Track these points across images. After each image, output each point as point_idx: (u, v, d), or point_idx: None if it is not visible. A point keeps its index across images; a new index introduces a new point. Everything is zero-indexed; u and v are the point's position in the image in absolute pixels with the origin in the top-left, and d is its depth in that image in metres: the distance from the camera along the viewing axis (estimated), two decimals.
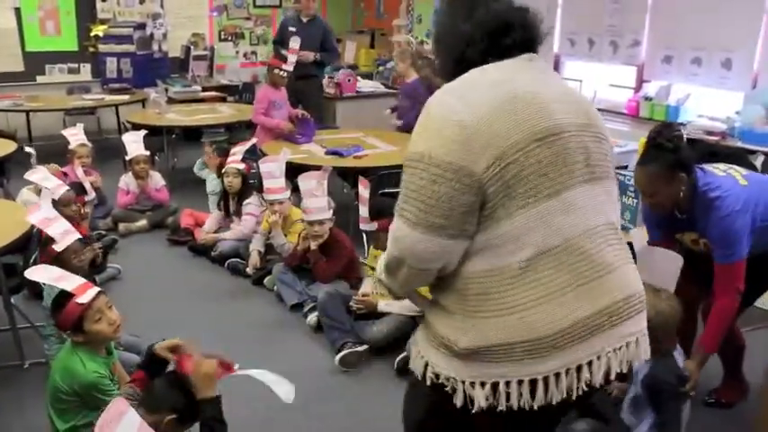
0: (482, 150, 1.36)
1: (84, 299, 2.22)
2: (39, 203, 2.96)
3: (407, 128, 5.60)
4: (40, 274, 2.31)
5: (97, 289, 2.30)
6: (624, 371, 1.46)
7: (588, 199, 1.45)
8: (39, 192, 4.21)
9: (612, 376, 1.45)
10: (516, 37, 1.51)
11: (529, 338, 1.37)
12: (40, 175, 3.85)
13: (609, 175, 1.53)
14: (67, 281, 2.27)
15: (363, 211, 3.66)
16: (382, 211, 3.42)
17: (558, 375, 1.39)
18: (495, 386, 1.40)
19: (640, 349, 1.49)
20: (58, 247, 2.86)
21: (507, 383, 1.39)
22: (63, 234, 2.86)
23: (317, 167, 3.89)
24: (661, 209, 2.46)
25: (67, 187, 4.00)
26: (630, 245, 2.35)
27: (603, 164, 1.50)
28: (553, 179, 1.40)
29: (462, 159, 1.36)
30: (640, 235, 2.50)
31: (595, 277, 1.42)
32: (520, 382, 1.39)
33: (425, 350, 1.52)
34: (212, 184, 5.07)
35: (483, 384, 1.41)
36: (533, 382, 1.39)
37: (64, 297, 2.25)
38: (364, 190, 3.62)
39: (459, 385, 1.43)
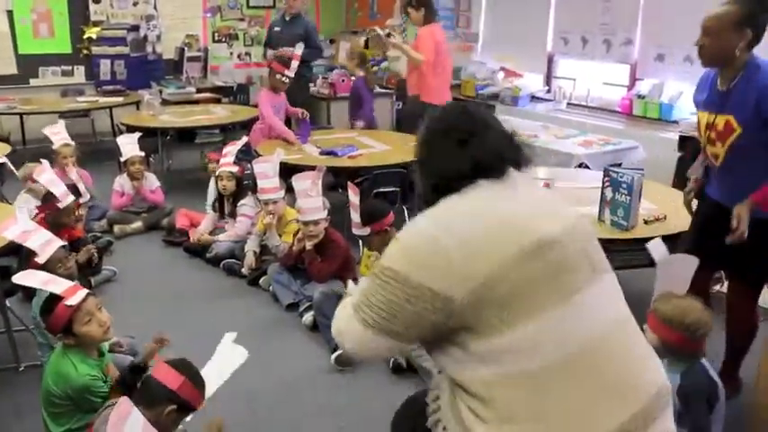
0: (463, 280, 1.35)
1: (72, 301, 2.22)
2: (15, 217, 2.81)
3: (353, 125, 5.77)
4: (28, 278, 2.30)
5: (86, 291, 2.30)
6: None
7: (596, 299, 1.43)
8: (38, 195, 4.19)
9: None
10: (505, 168, 1.50)
11: None
12: (47, 176, 3.77)
13: (608, 268, 1.52)
14: (55, 284, 2.26)
15: (355, 216, 3.67)
16: (373, 215, 3.42)
17: None
18: None
19: None
20: (40, 260, 2.75)
21: None
22: (44, 245, 2.76)
23: (312, 168, 3.89)
24: (709, 57, 2.51)
25: (73, 197, 3.93)
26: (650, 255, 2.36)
27: (602, 259, 1.50)
28: (557, 288, 1.37)
29: (440, 286, 1.36)
30: (658, 244, 2.49)
31: (623, 381, 1.39)
32: None
33: (450, 425, 1.45)
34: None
35: None
36: None
37: (52, 301, 2.25)
38: (354, 196, 3.62)
39: None
